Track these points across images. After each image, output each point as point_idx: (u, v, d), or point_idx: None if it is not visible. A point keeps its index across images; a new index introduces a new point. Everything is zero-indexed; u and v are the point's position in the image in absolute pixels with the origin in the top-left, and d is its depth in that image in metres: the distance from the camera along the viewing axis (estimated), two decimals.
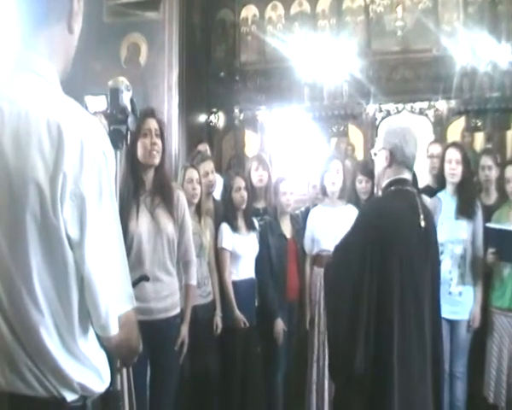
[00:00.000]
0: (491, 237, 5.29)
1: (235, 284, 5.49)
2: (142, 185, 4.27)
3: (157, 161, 4.26)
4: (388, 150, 3.67)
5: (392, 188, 3.67)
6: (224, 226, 5.51)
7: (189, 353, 4.63)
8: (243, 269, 5.57)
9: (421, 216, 3.57)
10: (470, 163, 5.66)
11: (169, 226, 4.27)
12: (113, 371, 2.18)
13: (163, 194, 4.30)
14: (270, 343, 5.63)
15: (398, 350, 3.40)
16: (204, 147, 8.25)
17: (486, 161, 5.84)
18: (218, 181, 6.12)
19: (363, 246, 3.49)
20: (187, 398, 5.12)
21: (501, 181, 5.57)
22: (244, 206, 5.57)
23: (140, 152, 4.22)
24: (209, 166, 5.82)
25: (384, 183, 3.73)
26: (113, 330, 1.94)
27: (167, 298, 4.28)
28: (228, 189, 5.63)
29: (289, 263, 5.79)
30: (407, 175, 3.68)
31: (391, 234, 3.50)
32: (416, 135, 3.73)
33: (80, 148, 1.83)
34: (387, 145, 3.68)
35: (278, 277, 5.67)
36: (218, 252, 5.51)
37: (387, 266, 3.45)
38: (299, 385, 5.91)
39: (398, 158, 3.65)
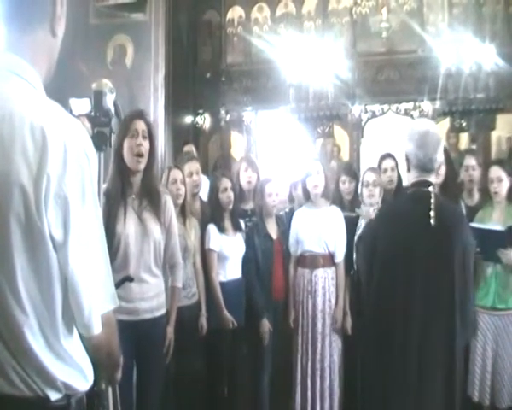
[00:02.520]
0: (474, 236, 5.33)
1: (222, 284, 5.48)
2: (129, 187, 4.27)
3: (142, 166, 4.23)
4: (405, 155, 3.81)
5: (410, 191, 3.81)
6: (211, 227, 5.51)
7: (175, 354, 4.65)
8: (230, 270, 5.57)
9: (432, 215, 3.61)
10: (453, 164, 5.70)
11: (156, 230, 4.27)
12: (97, 370, 2.20)
13: (151, 197, 4.29)
14: (256, 343, 5.64)
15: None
16: (190, 148, 8.28)
17: (469, 161, 5.87)
18: (205, 182, 6.13)
19: (371, 242, 3.85)
20: (173, 399, 5.13)
21: (484, 182, 5.60)
22: (231, 207, 5.58)
23: (126, 154, 4.21)
24: (194, 166, 5.82)
25: (408, 186, 3.89)
26: (96, 329, 1.96)
27: (153, 299, 4.29)
28: (214, 190, 5.62)
29: (275, 264, 5.79)
30: (426, 177, 3.75)
31: (392, 233, 3.70)
32: (437, 138, 3.79)
33: (63, 150, 1.84)
34: (405, 151, 3.81)
35: (264, 277, 5.68)
36: (206, 253, 5.50)
37: (390, 260, 3.68)
38: (285, 384, 5.92)
39: (413, 163, 3.75)
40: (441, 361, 3.66)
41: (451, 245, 3.71)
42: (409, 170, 3.82)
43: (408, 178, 3.90)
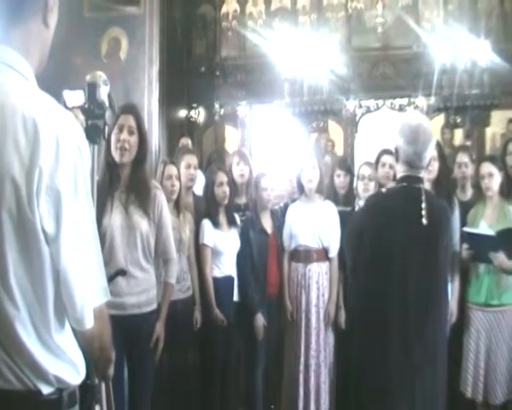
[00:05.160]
0: (467, 240, 5.34)
1: (217, 280, 5.48)
2: (117, 181, 4.26)
3: (125, 159, 4.21)
4: (395, 148, 3.80)
5: (399, 185, 3.79)
6: (206, 222, 5.49)
7: (169, 348, 4.63)
8: (225, 265, 5.56)
9: (424, 213, 3.62)
10: (446, 160, 5.70)
11: (142, 223, 4.24)
12: (90, 364, 2.19)
13: (138, 191, 4.26)
14: (250, 338, 5.63)
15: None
16: (186, 141, 8.31)
17: (462, 157, 5.88)
18: (199, 177, 6.12)
19: (358, 230, 3.83)
20: (167, 392, 5.12)
21: (477, 178, 5.61)
22: (226, 201, 5.55)
23: (112, 147, 4.21)
24: (193, 160, 5.82)
25: (397, 178, 3.89)
26: (89, 323, 1.95)
27: (141, 294, 4.26)
28: (210, 184, 5.60)
29: (270, 259, 5.77)
30: (415, 172, 3.75)
31: (381, 225, 3.68)
32: (429, 134, 3.76)
33: (56, 143, 1.83)
34: (395, 143, 3.80)
35: (259, 272, 5.65)
36: (200, 248, 5.48)
37: (377, 253, 3.68)
38: (279, 379, 5.91)
39: (401, 157, 3.73)
40: (430, 356, 3.69)
41: (438, 242, 3.74)
42: (397, 163, 3.82)
43: (397, 170, 3.89)
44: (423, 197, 3.71)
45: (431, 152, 3.80)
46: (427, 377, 3.67)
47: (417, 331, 3.66)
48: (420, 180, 3.76)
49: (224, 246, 5.54)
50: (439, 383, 3.73)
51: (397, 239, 3.66)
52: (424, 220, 3.62)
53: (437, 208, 3.83)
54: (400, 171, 3.80)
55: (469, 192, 5.85)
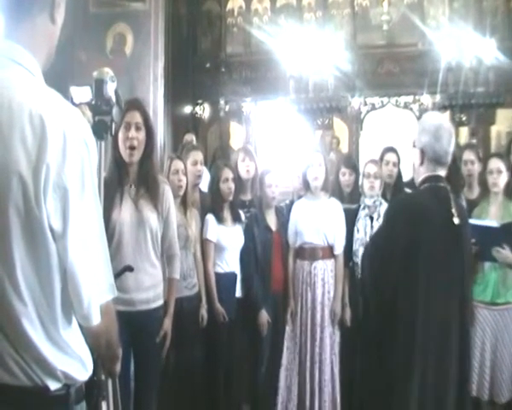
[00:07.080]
0: (472, 234, 5.30)
1: (220, 275, 5.48)
2: (126, 176, 4.24)
3: (134, 158, 4.19)
4: (420, 149, 3.75)
5: (426, 185, 3.74)
6: (210, 217, 5.49)
7: (175, 344, 4.63)
8: (228, 261, 5.55)
9: (455, 213, 3.61)
10: (456, 158, 5.68)
11: (152, 218, 4.22)
12: (97, 360, 2.19)
13: (148, 185, 4.24)
14: (254, 335, 5.64)
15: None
16: (190, 137, 8.29)
17: (469, 155, 5.87)
18: (204, 173, 6.11)
19: (392, 239, 3.66)
20: (172, 388, 5.12)
21: (483, 176, 5.59)
22: (231, 198, 5.55)
23: (120, 145, 4.19)
24: (199, 156, 5.80)
25: (419, 180, 3.81)
26: (95, 319, 1.95)
27: (149, 289, 4.24)
28: (215, 179, 5.59)
29: (274, 255, 5.76)
30: (440, 172, 3.72)
31: (418, 229, 3.58)
32: (451, 131, 3.74)
33: (63, 139, 1.83)
34: (419, 144, 3.75)
35: (263, 269, 5.65)
36: (203, 243, 5.49)
37: (413, 261, 3.56)
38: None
39: (429, 155, 3.70)
40: (456, 364, 3.66)
41: (465, 241, 3.72)
42: (422, 163, 3.76)
43: (419, 172, 3.81)
44: (451, 195, 3.71)
45: (452, 149, 3.78)
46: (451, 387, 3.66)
47: (447, 343, 3.64)
48: (443, 179, 3.74)
49: (228, 242, 5.53)
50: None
51: (435, 244, 3.62)
52: (456, 220, 3.60)
53: (460, 208, 3.83)
54: (424, 171, 3.75)
55: (476, 191, 5.83)
